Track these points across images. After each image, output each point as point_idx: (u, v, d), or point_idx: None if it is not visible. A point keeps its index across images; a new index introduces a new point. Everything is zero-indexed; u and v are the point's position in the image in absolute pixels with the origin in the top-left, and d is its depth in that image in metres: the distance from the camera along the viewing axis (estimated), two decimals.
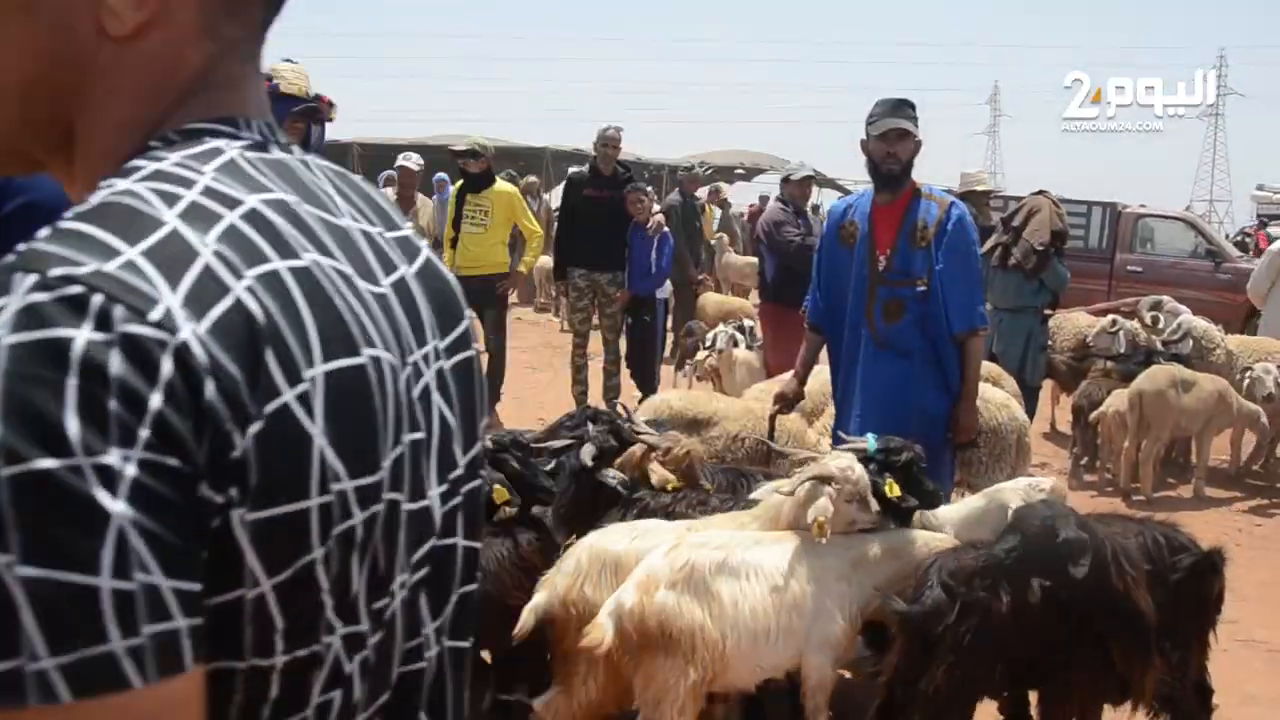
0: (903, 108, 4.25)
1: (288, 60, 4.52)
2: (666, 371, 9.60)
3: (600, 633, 2.86)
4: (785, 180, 7.94)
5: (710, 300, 12.08)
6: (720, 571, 2.98)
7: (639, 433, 3.57)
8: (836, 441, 4.35)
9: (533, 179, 17.11)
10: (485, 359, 8.25)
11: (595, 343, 8.71)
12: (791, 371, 4.65)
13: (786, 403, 4.57)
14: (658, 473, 3.49)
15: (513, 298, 16.28)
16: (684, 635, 2.86)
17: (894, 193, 4.29)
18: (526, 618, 2.98)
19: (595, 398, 8.61)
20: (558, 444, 3.55)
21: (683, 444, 3.53)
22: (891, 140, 4.20)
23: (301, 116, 4.47)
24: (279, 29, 0.83)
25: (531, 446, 3.38)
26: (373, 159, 19.50)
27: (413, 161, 8.28)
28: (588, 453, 3.43)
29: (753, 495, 3.54)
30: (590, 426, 3.61)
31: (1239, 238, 23.33)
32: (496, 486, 3.16)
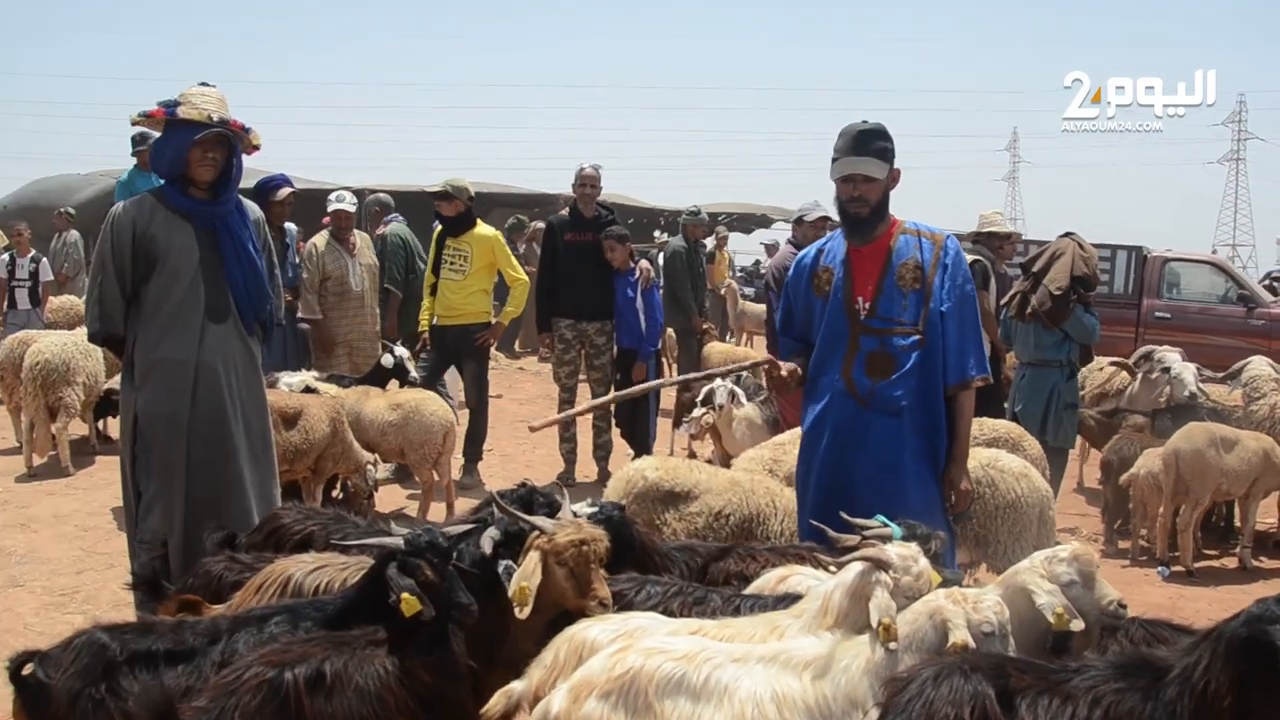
0: (868, 141, 3.65)
1: (204, 84, 4.01)
2: (665, 428, 8.99)
3: None
4: (798, 222, 7.30)
5: (716, 350, 11.49)
6: (672, 688, 2.48)
7: (520, 518, 2.96)
8: (808, 529, 3.75)
9: (540, 225, 16.62)
10: (466, 415, 7.70)
11: (585, 396, 8.15)
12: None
13: None
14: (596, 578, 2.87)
15: (516, 345, 15.99)
16: None
17: (866, 237, 3.74)
18: (496, 700, 2.70)
19: (586, 455, 8.06)
20: (457, 529, 2.95)
21: (583, 533, 2.89)
22: (857, 183, 3.65)
23: (216, 146, 3.94)
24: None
25: (452, 543, 2.78)
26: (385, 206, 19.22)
27: (346, 203, 7.80)
28: (489, 539, 2.86)
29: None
30: (495, 509, 3.01)
31: (1267, 282, 22.69)
32: (406, 596, 2.60)
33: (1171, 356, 7.52)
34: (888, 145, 3.67)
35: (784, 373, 3.78)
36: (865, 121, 3.71)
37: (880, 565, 2.64)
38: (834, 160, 3.67)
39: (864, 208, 3.66)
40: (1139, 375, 7.64)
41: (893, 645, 2.50)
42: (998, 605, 2.58)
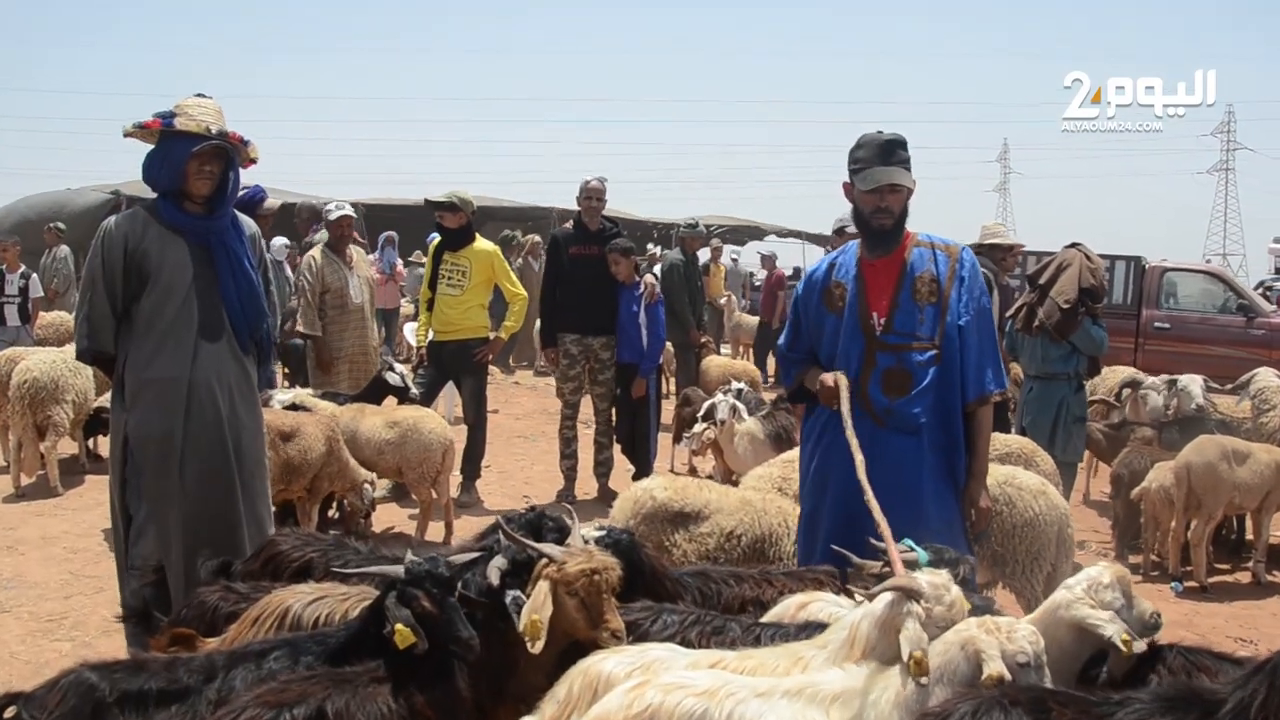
0: (893, 151, 3.55)
1: (200, 95, 3.89)
2: (665, 444, 8.85)
3: None
4: (839, 233, 7.13)
5: (714, 363, 11.36)
6: None
7: (528, 545, 2.80)
8: (824, 551, 3.59)
9: (536, 238, 16.49)
10: (465, 431, 7.56)
11: (589, 409, 8.02)
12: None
13: None
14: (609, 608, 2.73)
15: (511, 360, 15.84)
16: None
17: (888, 248, 3.63)
18: None
19: (586, 472, 7.93)
20: (463, 558, 2.81)
21: (594, 561, 2.75)
22: (884, 193, 3.54)
23: (214, 159, 3.82)
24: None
25: (455, 573, 2.65)
26: (378, 220, 19.19)
27: (347, 210, 7.67)
28: (495, 569, 2.72)
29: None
30: (501, 536, 2.87)
31: (1261, 290, 22.65)
32: (399, 628, 2.47)
33: (1158, 382, 7.46)
34: (908, 155, 3.57)
35: (831, 382, 3.59)
36: (881, 131, 3.61)
37: (911, 594, 2.52)
38: (857, 171, 3.55)
39: (889, 219, 3.55)
40: (1127, 402, 7.57)
41: (924, 680, 2.38)
42: (1033, 634, 2.45)
